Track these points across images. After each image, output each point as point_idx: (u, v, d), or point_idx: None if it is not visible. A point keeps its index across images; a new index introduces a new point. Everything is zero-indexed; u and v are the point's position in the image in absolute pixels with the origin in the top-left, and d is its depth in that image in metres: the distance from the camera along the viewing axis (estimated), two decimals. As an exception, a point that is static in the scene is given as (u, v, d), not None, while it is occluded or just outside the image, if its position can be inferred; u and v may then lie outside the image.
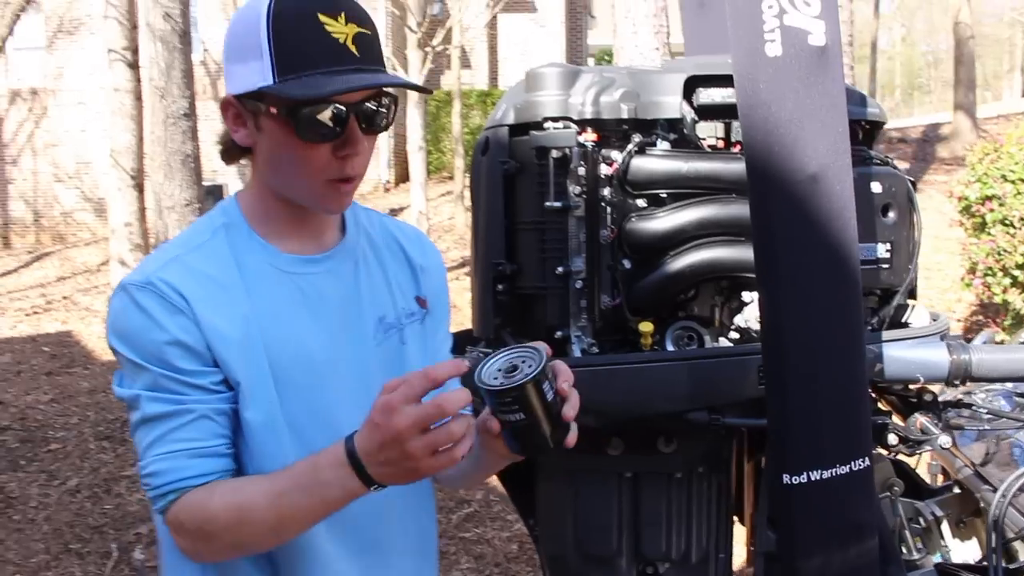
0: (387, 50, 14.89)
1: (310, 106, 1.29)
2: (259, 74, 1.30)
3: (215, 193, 17.96)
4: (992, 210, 6.27)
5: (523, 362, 1.24)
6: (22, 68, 19.21)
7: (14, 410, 7.24)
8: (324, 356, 1.43)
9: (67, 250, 16.81)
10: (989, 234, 6.30)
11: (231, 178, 18.55)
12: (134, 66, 11.08)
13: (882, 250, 2.05)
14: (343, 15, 1.30)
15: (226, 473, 1.34)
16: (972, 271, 6.55)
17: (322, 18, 1.29)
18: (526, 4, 19.15)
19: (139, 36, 10.42)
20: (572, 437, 1.29)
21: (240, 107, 1.36)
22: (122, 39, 11.04)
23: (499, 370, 1.24)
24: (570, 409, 1.27)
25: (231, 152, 1.45)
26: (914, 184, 2.14)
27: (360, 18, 1.32)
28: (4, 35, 11.87)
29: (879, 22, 27.25)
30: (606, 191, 1.97)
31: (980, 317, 7.38)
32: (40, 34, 18.83)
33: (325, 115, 1.31)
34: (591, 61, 22.84)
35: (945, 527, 2.39)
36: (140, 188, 11.69)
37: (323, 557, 1.44)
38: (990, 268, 6.32)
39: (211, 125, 18.19)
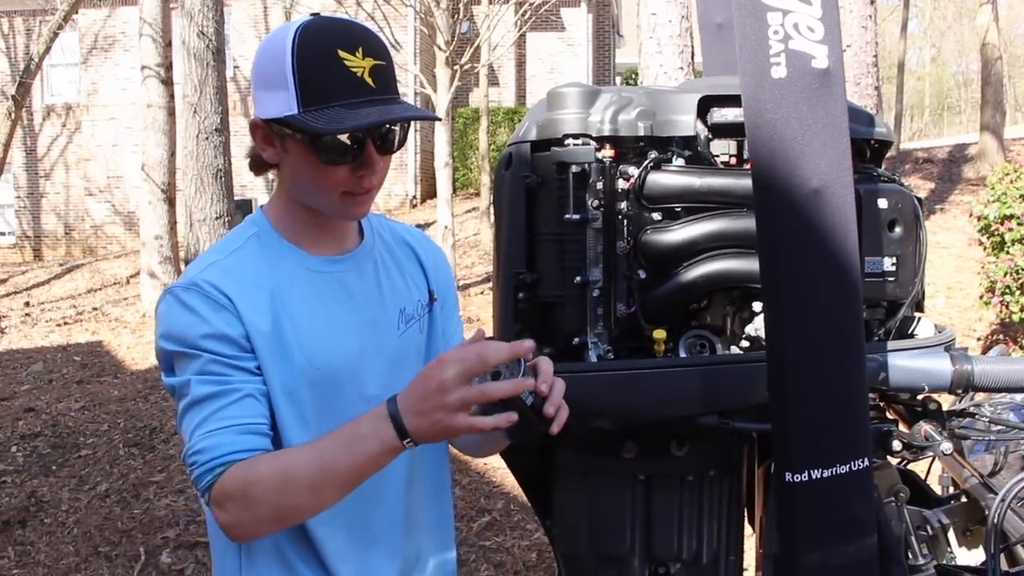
0: (416, 68, 15.04)
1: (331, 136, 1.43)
2: (285, 103, 1.43)
3: (244, 207, 18.15)
4: (1011, 229, 6.30)
5: (506, 368, 1.35)
6: (57, 84, 19.54)
7: (46, 417, 7.38)
8: (356, 346, 1.56)
9: (97, 262, 17.04)
10: (1008, 253, 6.33)
11: (260, 192, 18.73)
12: (167, 82, 11.28)
13: (888, 264, 2.11)
14: (361, 49, 1.43)
15: (267, 451, 1.42)
16: (991, 290, 6.57)
17: (341, 53, 1.42)
18: (554, 23, 19.27)
19: (173, 53, 10.63)
20: (556, 427, 1.39)
21: (268, 129, 1.49)
22: (156, 56, 11.23)
23: (485, 374, 1.36)
24: (550, 407, 1.37)
25: (259, 165, 1.58)
26: (920, 201, 2.21)
27: (376, 51, 1.45)
28: (42, 52, 12.10)
29: (907, 42, 27.12)
30: (623, 205, 2.05)
31: (1000, 336, 7.38)
32: (75, 51, 19.14)
33: (344, 142, 1.44)
34: (618, 80, 22.91)
35: (952, 535, 2.44)
36: (171, 202, 11.87)
37: (356, 535, 1.57)
38: (1008, 287, 6.34)
39: (242, 140, 18.37)
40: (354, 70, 1.42)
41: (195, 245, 8.63)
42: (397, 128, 1.50)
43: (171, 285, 1.49)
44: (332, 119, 1.40)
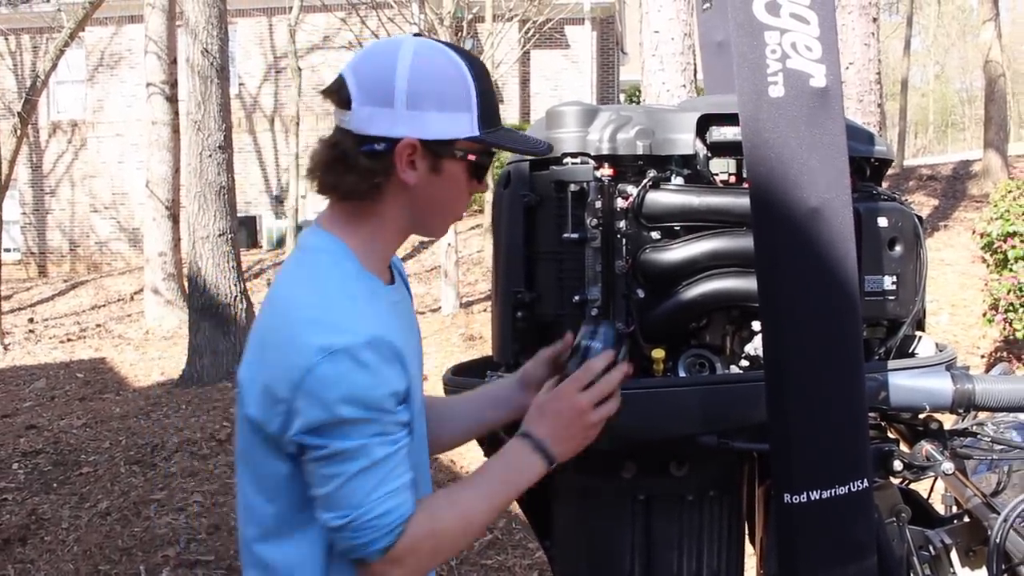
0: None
1: (490, 155, 1.56)
2: (465, 125, 1.49)
3: (248, 225, 18.19)
4: (1014, 247, 6.29)
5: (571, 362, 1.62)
6: (63, 101, 19.62)
7: (48, 434, 7.37)
8: (419, 377, 1.61)
9: (102, 279, 17.07)
10: (1011, 270, 6.31)
11: (264, 210, 18.77)
12: (172, 100, 11.33)
13: (888, 282, 2.10)
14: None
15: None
16: (994, 307, 6.55)
17: (492, 83, 1.57)
18: (558, 40, 19.31)
19: (177, 71, 10.67)
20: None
21: (424, 150, 1.48)
22: (161, 73, 11.30)
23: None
24: None
25: (331, 188, 1.52)
26: (921, 219, 2.20)
27: None
28: (48, 69, 12.15)
29: (911, 59, 27.16)
30: (622, 223, 2.04)
31: (1004, 353, 7.35)
32: (81, 68, 19.23)
33: (487, 163, 1.57)
34: (622, 97, 22.95)
35: (954, 555, 2.41)
36: (175, 219, 11.91)
37: None
38: (1011, 304, 6.32)
39: (245, 157, 18.48)
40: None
41: (197, 262, 8.63)
42: None
43: (331, 343, 1.37)
44: (516, 140, 1.61)
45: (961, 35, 45.93)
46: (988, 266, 6.76)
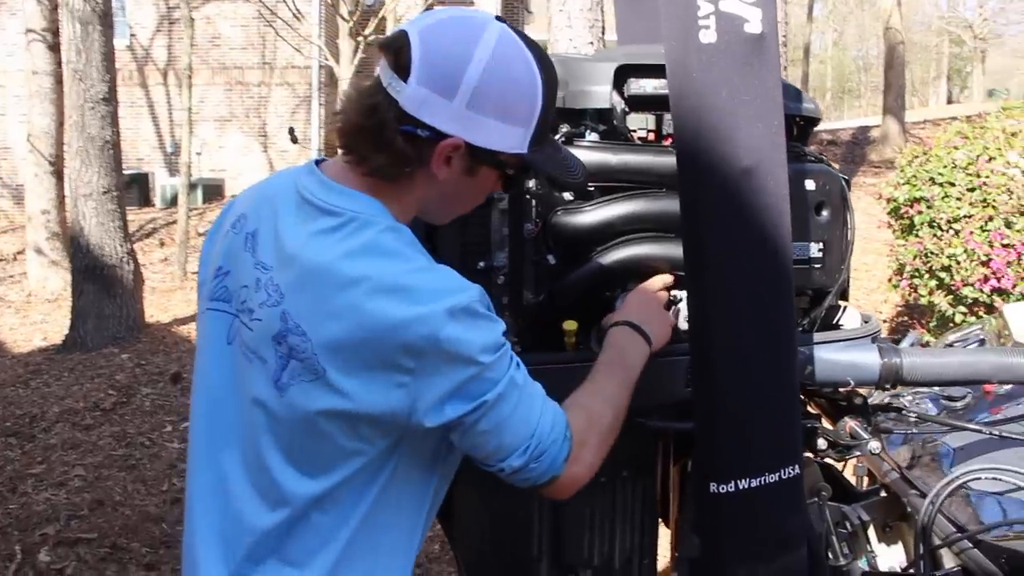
0: (320, 40, 14.67)
1: (526, 171, 1.55)
2: (518, 140, 1.43)
3: (140, 182, 17.57)
4: (920, 212, 6.33)
5: None
6: (-62, 48, 18.62)
7: (-84, 404, 6.96)
8: None
9: (-17, 238, 16.30)
10: (917, 236, 6.36)
11: (157, 167, 18.16)
12: (54, 48, 10.76)
13: (815, 249, 1.99)
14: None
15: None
16: (899, 272, 6.61)
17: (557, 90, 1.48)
18: (462, -4, 19.04)
19: (59, 17, 10.13)
20: None
21: (465, 152, 1.41)
22: (42, 19, 10.71)
23: None
24: None
25: (379, 169, 1.43)
26: (848, 183, 2.09)
27: None
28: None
29: (812, 25, 27.61)
30: (531, 183, 1.88)
31: (906, 318, 7.46)
32: (-42, 13, 18.25)
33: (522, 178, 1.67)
34: (527, 57, 22.83)
35: (871, 531, 2.35)
36: (59, 175, 11.37)
37: None
38: (917, 270, 6.37)
39: (137, 112, 17.80)
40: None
41: (80, 221, 8.20)
42: None
43: (451, 303, 1.34)
44: (556, 163, 1.52)
45: (859, 3, 47.05)
46: (894, 231, 6.81)
